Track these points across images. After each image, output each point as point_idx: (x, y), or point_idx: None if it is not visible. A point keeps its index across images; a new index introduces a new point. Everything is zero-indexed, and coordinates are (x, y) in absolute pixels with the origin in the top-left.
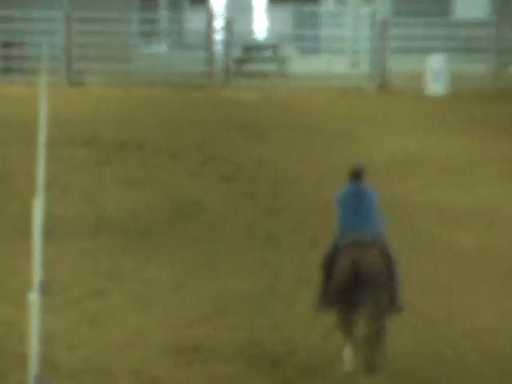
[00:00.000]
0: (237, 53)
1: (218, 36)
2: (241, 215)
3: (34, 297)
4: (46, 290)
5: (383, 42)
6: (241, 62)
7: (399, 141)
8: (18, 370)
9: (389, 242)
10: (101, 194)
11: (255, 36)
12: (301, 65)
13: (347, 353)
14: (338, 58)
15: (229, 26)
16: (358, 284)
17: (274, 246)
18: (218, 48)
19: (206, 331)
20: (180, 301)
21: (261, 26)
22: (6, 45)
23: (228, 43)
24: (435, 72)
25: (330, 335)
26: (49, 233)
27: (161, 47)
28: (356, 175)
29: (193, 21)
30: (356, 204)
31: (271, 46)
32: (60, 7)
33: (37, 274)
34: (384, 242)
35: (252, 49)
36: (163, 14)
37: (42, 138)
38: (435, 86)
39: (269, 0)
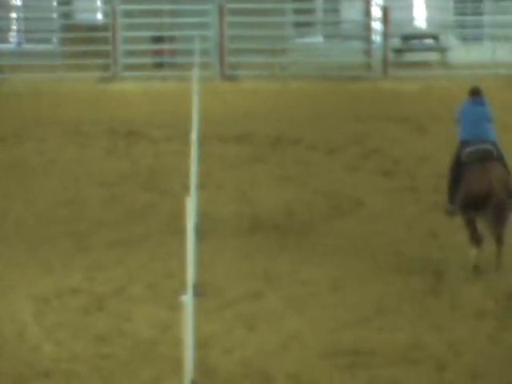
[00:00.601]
0: (396, 42)
1: (376, 25)
2: (402, 211)
3: (187, 299)
4: (200, 291)
5: None
6: (400, 52)
7: None
8: (173, 375)
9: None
10: (255, 192)
11: (414, 24)
12: (463, 53)
13: (473, 251)
14: (503, 45)
15: (387, 15)
16: (489, 199)
17: (437, 243)
18: (376, 38)
19: (367, 333)
20: (339, 301)
21: (420, 13)
22: (157, 39)
23: (386, 33)
24: None
25: (498, 337)
26: (202, 233)
27: (316, 38)
28: (475, 92)
29: (349, 10)
30: (477, 116)
31: (431, 35)
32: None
33: (190, 275)
34: (500, 150)
35: (411, 38)
36: (318, 3)
37: (194, 136)
38: None
39: None
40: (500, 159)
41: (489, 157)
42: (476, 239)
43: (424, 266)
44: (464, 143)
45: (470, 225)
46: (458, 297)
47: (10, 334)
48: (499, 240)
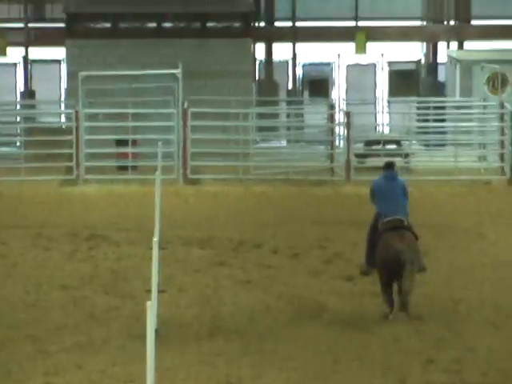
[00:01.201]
0: (359, 147)
1: (339, 130)
2: (365, 316)
3: None
4: None
5: None
6: (363, 156)
7: None
8: None
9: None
10: (217, 296)
11: (377, 130)
12: (426, 159)
13: (386, 309)
14: (465, 151)
15: (350, 120)
16: (401, 263)
17: (398, 348)
18: (339, 143)
19: None
20: None
21: (383, 119)
22: (121, 142)
23: (349, 138)
24: None
25: None
26: (163, 337)
27: (280, 142)
28: (388, 166)
29: (313, 115)
30: (391, 191)
31: (394, 140)
32: (174, 104)
33: (150, 380)
34: (410, 222)
35: (374, 143)
36: (282, 108)
37: (156, 239)
38: None
39: (390, 92)
40: (410, 229)
41: (400, 226)
42: (390, 302)
43: (386, 372)
44: (380, 215)
45: (386, 288)
46: None
47: None
48: (404, 304)
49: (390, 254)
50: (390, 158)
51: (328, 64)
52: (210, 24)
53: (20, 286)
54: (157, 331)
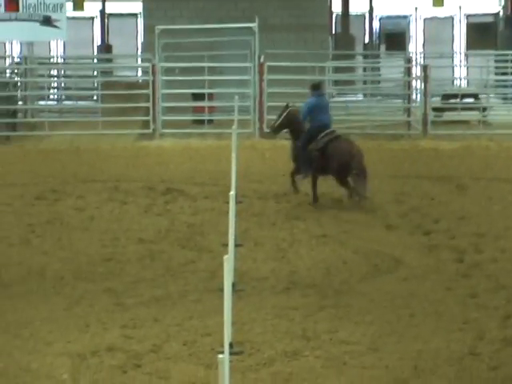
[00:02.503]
0: (436, 101)
1: (416, 84)
2: (441, 271)
3: (224, 357)
4: (237, 350)
5: None
6: (440, 110)
7: None
8: None
9: None
10: (293, 250)
11: (455, 83)
12: (503, 113)
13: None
14: None
15: (427, 74)
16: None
17: (476, 303)
18: (416, 96)
19: None
20: (377, 361)
21: (461, 73)
22: (197, 97)
23: (426, 91)
24: None
25: None
26: (240, 291)
27: (357, 96)
28: (317, 86)
29: (390, 69)
30: (325, 108)
31: (472, 94)
32: (250, 58)
33: (227, 333)
34: None
35: (452, 97)
36: (359, 61)
37: (233, 193)
38: None
39: (468, 45)
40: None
41: (338, 135)
42: (316, 197)
43: (463, 327)
44: (317, 128)
45: (315, 186)
46: (497, 358)
47: None
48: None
49: (345, 157)
50: (467, 112)
51: (405, 17)
52: None
53: (97, 240)
54: (233, 285)
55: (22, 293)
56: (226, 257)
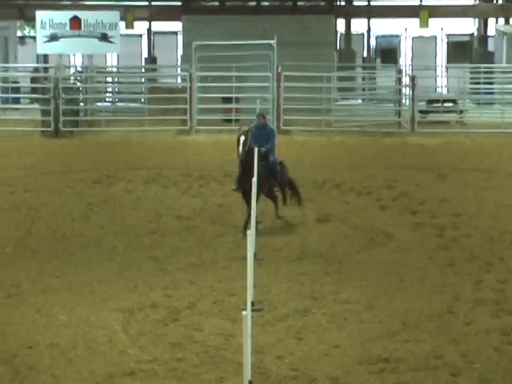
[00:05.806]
0: (422, 105)
1: (406, 91)
2: (425, 244)
3: (247, 314)
4: (257, 307)
5: None
6: (425, 112)
7: None
8: (235, 376)
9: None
10: (304, 227)
11: (437, 90)
12: (477, 115)
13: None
14: (510, 109)
15: (415, 83)
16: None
17: (454, 270)
18: (406, 101)
19: (395, 344)
20: (372, 317)
21: (442, 82)
22: (226, 100)
23: (414, 97)
24: None
25: (504, 349)
26: (260, 259)
27: (356, 101)
28: (260, 118)
29: (384, 78)
30: (260, 137)
31: (451, 99)
32: (270, 69)
33: (249, 294)
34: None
35: (435, 102)
36: (359, 72)
37: (255, 179)
38: None
39: (448, 60)
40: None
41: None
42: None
43: (442, 290)
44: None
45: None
46: (471, 315)
47: (101, 339)
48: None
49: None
50: (447, 114)
51: (397, 36)
52: (300, 3)
53: (143, 216)
54: (255, 255)
55: (82, 259)
56: (248, 231)
